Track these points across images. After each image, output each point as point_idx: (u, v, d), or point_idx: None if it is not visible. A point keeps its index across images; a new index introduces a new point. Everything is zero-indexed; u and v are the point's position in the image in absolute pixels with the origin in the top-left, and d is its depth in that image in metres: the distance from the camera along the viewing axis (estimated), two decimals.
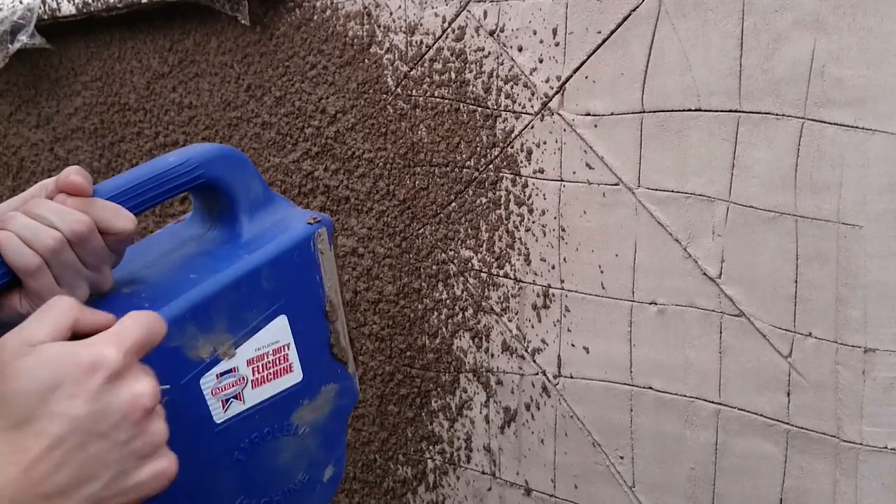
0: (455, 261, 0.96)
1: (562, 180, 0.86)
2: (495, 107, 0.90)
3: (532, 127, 0.87)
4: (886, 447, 0.71)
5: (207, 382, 0.62)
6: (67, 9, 1.22)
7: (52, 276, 0.57)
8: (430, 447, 1.03)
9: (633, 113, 0.80)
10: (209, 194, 0.68)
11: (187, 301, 0.61)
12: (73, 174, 0.59)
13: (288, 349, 0.67)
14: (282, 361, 0.66)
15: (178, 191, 0.64)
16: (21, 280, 0.57)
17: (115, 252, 0.61)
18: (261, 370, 0.65)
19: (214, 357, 0.62)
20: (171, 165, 0.63)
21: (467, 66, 0.91)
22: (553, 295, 0.89)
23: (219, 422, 0.63)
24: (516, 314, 0.92)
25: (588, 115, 0.83)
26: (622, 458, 0.86)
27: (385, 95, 0.99)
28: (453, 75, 0.92)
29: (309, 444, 0.69)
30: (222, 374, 0.63)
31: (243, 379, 0.64)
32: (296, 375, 0.68)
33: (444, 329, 0.99)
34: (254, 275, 0.64)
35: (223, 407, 0.63)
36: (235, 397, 0.64)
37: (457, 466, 1.01)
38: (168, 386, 0.58)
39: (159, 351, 0.54)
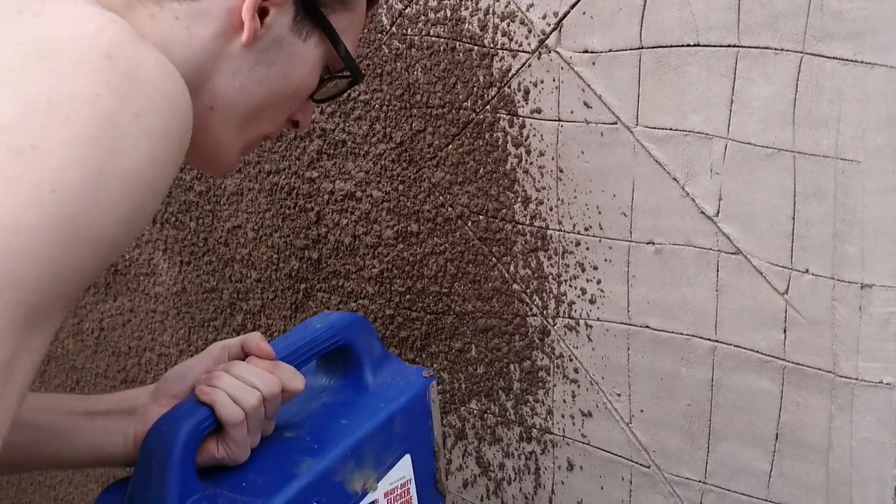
0: (453, 204, 0.96)
1: (559, 120, 0.85)
2: (492, 45, 0.88)
3: (529, 65, 0.86)
4: (881, 382, 0.71)
5: None
6: None
7: (246, 426, 0.69)
8: None
9: (631, 49, 0.79)
10: (338, 353, 0.82)
11: (348, 442, 0.73)
12: (261, 341, 0.73)
13: (410, 484, 0.79)
14: (406, 495, 0.79)
15: (322, 353, 0.79)
16: (224, 429, 0.68)
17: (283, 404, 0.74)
18: (393, 502, 0.77)
19: (364, 490, 0.74)
20: (319, 332, 0.79)
21: (463, 2, 0.90)
22: (551, 236, 0.89)
23: None
24: (514, 256, 0.92)
25: (586, 52, 0.82)
26: (619, 395, 0.87)
27: (380, 35, 0.98)
28: (448, 13, 0.91)
29: None
30: None
31: None
32: None
33: (442, 272, 0.99)
34: (391, 420, 0.78)
35: None
36: None
37: (458, 406, 1.02)
38: None
39: (329, 485, 0.70)
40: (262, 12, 0.64)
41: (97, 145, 0.48)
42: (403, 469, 0.78)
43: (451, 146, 0.95)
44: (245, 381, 0.69)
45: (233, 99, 0.66)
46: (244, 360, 0.73)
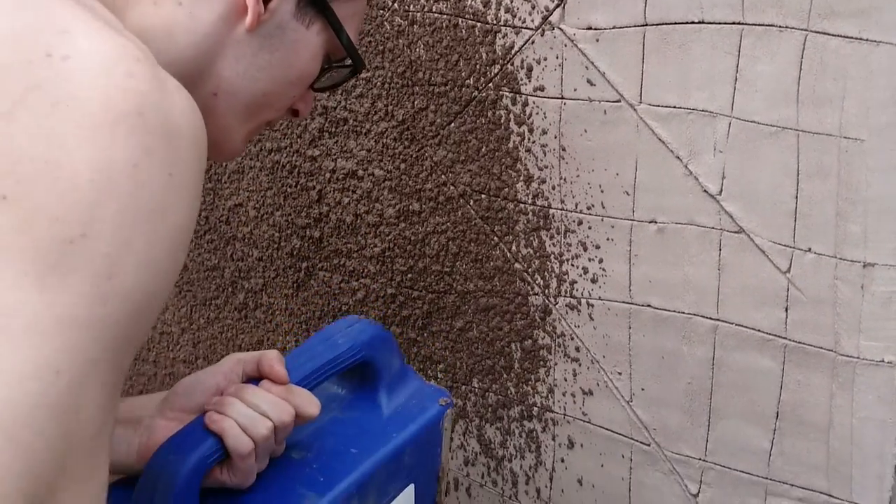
0: (455, 183, 0.96)
1: (562, 98, 0.85)
2: (495, 22, 0.88)
3: (532, 42, 0.86)
4: (883, 360, 0.71)
5: None
6: None
7: (255, 455, 0.68)
8: (433, 366, 1.04)
9: (635, 26, 0.78)
10: (356, 366, 0.78)
11: (353, 479, 0.71)
12: (276, 363, 0.70)
13: None
14: None
15: (343, 370, 0.76)
16: (232, 458, 0.67)
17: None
18: None
19: None
20: (342, 350, 0.75)
21: None
22: (553, 215, 0.89)
23: None
24: (516, 235, 0.92)
25: (590, 28, 0.81)
26: (620, 373, 0.87)
27: (382, 11, 0.97)
28: None
29: None
30: None
31: None
32: None
33: (444, 252, 0.99)
34: (399, 452, 0.76)
35: None
36: None
37: (459, 385, 1.02)
38: None
39: None
40: None
41: (142, 221, 0.49)
42: (406, 499, 0.77)
43: (453, 124, 0.94)
44: (257, 409, 0.68)
45: (236, 85, 0.66)
46: (259, 377, 0.71)
